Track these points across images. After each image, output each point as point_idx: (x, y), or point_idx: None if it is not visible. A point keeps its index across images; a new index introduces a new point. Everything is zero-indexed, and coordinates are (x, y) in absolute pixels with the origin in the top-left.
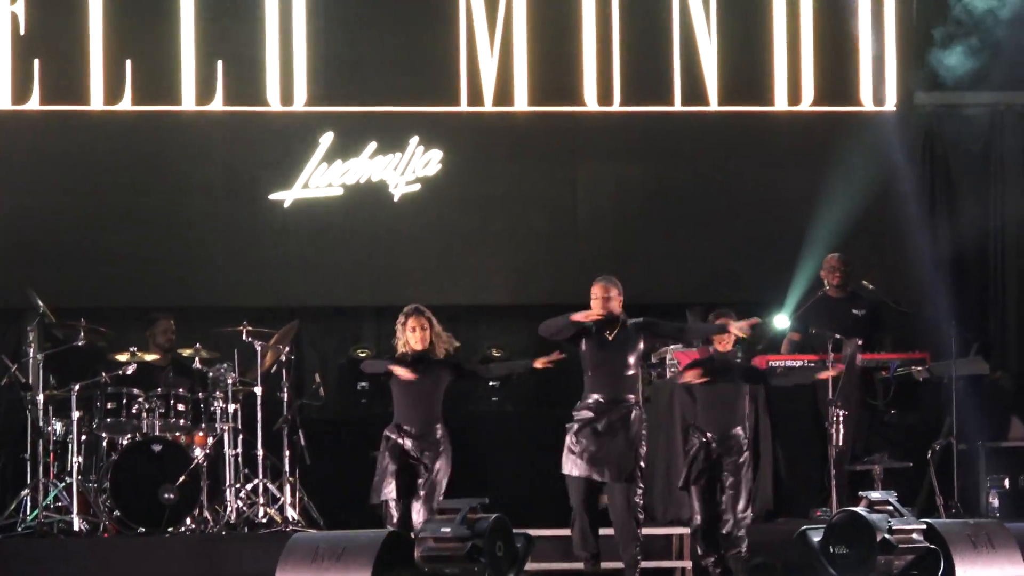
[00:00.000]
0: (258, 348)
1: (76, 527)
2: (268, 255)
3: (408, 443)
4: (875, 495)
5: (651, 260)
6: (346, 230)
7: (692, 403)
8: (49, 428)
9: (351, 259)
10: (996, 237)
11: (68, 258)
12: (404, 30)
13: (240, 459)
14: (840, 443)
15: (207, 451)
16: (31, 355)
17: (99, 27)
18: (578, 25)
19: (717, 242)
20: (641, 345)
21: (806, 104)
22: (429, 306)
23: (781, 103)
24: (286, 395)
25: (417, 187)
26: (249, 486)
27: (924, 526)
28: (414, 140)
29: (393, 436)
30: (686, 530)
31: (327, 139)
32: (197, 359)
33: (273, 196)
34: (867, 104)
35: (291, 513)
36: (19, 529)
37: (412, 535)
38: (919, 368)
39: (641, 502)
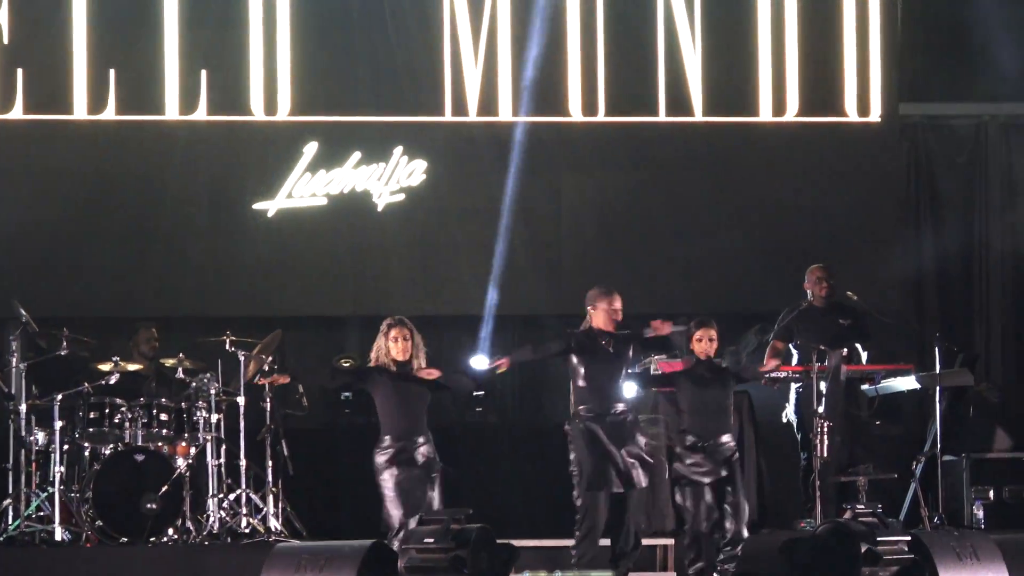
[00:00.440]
0: (241, 358)
1: (58, 537)
2: (251, 265)
3: (394, 457)
4: (859, 507)
5: (636, 270)
6: (330, 240)
7: (676, 413)
8: (32, 438)
9: (335, 269)
10: (981, 248)
11: (51, 267)
12: (388, 40)
13: (223, 469)
14: (825, 454)
15: (190, 461)
16: (14, 364)
17: (83, 36)
18: (563, 35)
19: (702, 252)
20: (630, 354)
21: (791, 115)
22: (412, 316)
23: (766, 114)
24: (269, 405)
25: (401, 197)
26: (232, 496)
27: (909, 537)
28: (398, 150)
29: (383, 453)
30: (670, 541)
31: (311, 149)
32: (180, 369)
33: (257, 206)
34: (852, 115)
35: (274, 523)
36: (1, 539)
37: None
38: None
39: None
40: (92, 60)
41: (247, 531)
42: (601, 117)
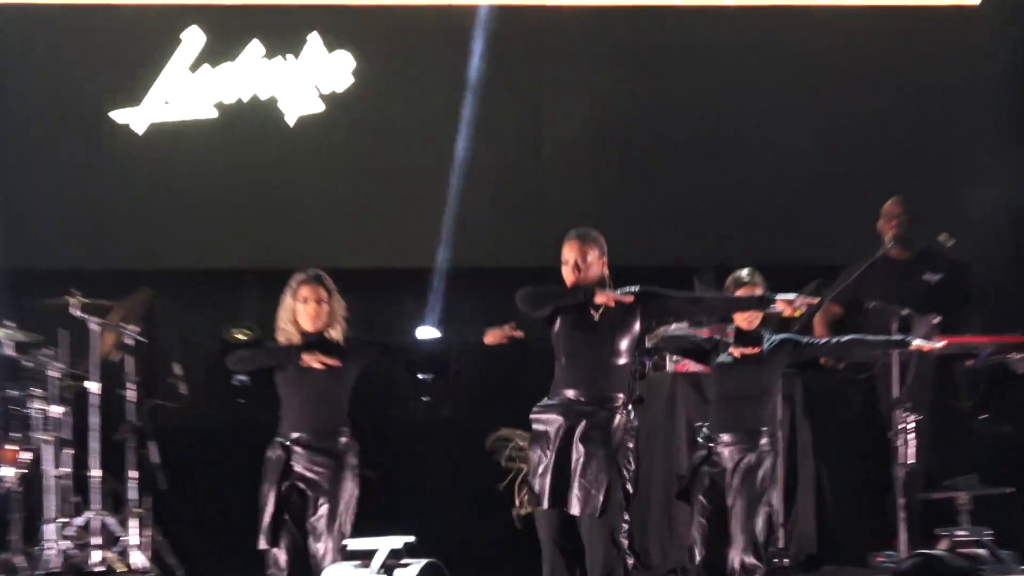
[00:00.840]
0: (94, 328)
1: None
2: (109, 199)
3: (297, 460)
4: (960, 532)
5: (641, 210)
6: (221, 166)
7: (701, 401)
8: None
9: (227, 206)
10: None
11: None
12: None
13: (67, 483)
14: (911, 460)
15: (20, 471)
16: None
17: None
18: None
19: (730, 185)
20: (636, 326)
21: None
22: (337, 272)
23: None
24: (133, 393)
25: (320, 107)
26: (79, 520)
27: None
28: (314, 40)
29: (276, 453)
30: None
31: (192, 38)
32: (6, 342)
33: (118, 116)
34: None
35: (138, 558)
36: None
37: None
38: (1019, 356)
39: (627, 542)
40: None
41: (101, 569)
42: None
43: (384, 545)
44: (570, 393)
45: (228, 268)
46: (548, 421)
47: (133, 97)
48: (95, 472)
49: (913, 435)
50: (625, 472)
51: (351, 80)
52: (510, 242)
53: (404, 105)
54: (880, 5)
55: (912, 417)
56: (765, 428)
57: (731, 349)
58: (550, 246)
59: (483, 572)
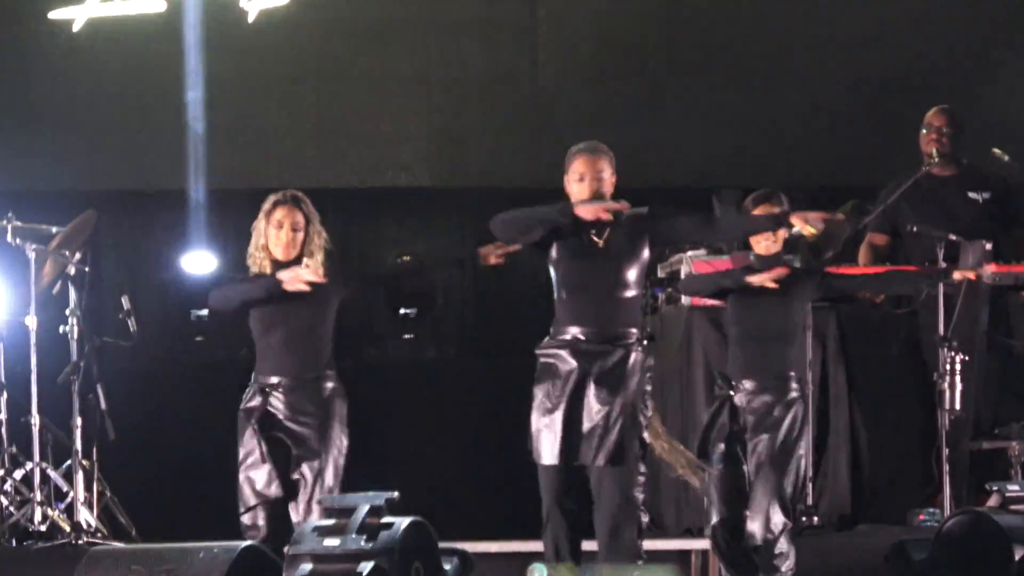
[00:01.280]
0: (31, 255)
1: None
2: (47, 108)
3: (278, 405)
4: (1013, 488)
5: (649, 125)
6: (172, 70)
7: (722, 340)
8: None
9: (181, 116)
10: None
11: None
12: None
13: (3, 431)
14: (957, 407)
15: None
16: None
17: None
18: None
19: (752, 97)
20: (645, 252)
21: None
22: (307, 191)
23: None
24: (76, 330)
25: (284, 0)
26: (18, 474)
27: None
28: None
29: (254, 399)
30: (709, 544)
31: None
32: None
33: (55, 15)
34: None
35: (86, 517)
36: None
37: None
38: None
39: (643, 496)
40: None
41: (43, 529)
42: None
43: (364, 502)
44: (576, 331)
45: (180, 188)
46: (558, 358)
47: None
48: (35, 419)
49: (960, 378)
50: (642, 418)
51: None
52: (501, 159)
53: (381, 3)
54: None
55: (959, 357)
56: (793, 373)
57: (747, 278)
58: (545, 164)
59: (472, 529)
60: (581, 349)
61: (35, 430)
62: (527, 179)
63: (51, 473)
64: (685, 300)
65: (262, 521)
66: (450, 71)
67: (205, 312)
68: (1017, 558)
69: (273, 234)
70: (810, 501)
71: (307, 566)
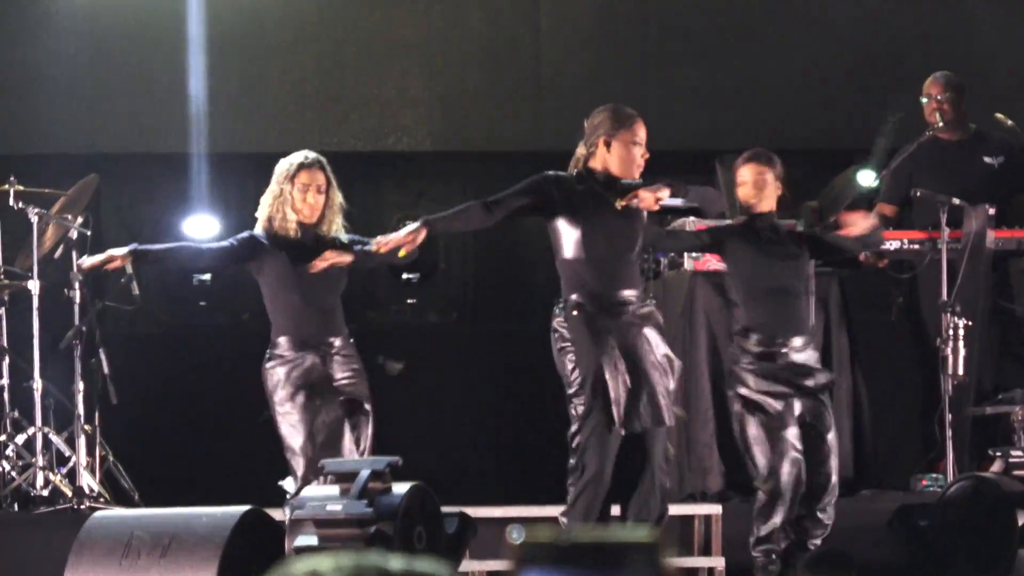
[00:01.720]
0: (33, 219)
1: None
2: (49, 72)
3: (332, 365)
4: (1015, 453)
5: (652, 88)
6: (174, 34)
7: (724, 304)
8: None
9: (183, 80)
10: None
11: None
12: None
13: (5, 396)
14: (960, 372)
15: None
16: None
17: None
18: None
19: (757, 61)
20: (644, 214)
21: None
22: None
23: None
24: (79, 294)
25: None
26: (20, 439)
27: None
28: None
29: (288, 354)
30: (714, 509)
31: None
32: None
33: None
34: None
35: (88, 481)
36: None
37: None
38: None
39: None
40: None
41: (44, 494)
42: None
43: (365, 466)
44: (599, 292)
45: (182, 152)
46: (592, 325)
47: None
48: (37, 383)
49: (963, 343)
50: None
51: None
52: (502, 124)
53: None
54: None
55: (962, 323)
56: (805, 332)
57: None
58: (546, 128)
59: (474, 493)
60: (615, 311)
61: (37, 395)
62: (529, 143)
63: (53, 438)
64: (688, 264)
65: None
66: (452, 35)
67: (208, 277)
68: (1020, 523)
69: (299, 197)
70: None
71: (311, 530)
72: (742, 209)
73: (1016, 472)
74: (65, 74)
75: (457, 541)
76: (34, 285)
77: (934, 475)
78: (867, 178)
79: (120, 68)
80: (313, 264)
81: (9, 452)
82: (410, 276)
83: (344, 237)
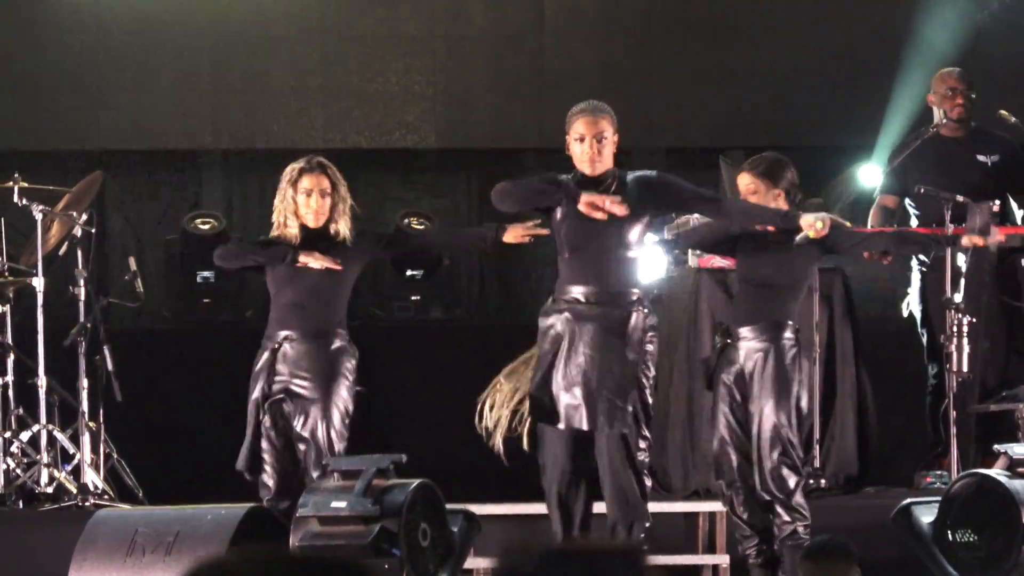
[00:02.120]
0: (38, 216)
1: None
2: (54, 69)
3: (284, 364)
4: (1020, 450)
5: (656, 85)
6: (178, 30)
7: (729, 301)
8: None
9: (184, 77)
10: None
11: None
12: None
13: (10, 393)
14: (964, 369)
15: None
16: None
17: None
18: None
19: (756, 56)
20: (647, 216)
21: None
22: (312, 151)
23: None
24: (83, 291)
25: None
26: (25, 436)
27: None
28: None
29: (263, 357)
30: (718, 506)
31: None
32: None
33: None
34: None
35: (92, 478)
36: None
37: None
38: None
39: (647, 460)
40: None
41: (49, 491)
42: None
43: (370, 464)
44: (577, 292)
45: (188, 148)
46: (558, 321)
47: None
48: (41, 380)
49: (967, 340)
50: (644, 379)
51: None
52: (506, 119)
53: None
54: None
55: (966, 319)
56: (791, 322)
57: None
58: (549, 124)
59: (479, 491)
60: (580, 311)
61: (42, 392)
62: (532, 139)
63: (58, 435)
64: (692, 261)
65: (272, 484)
66: (455, 31)
67: (211, 274)
68: None
69: (303, 201)
70: (817, 463)
71: (315, 527)
72: None
73: (1020, 469)
74: (69, 70)
75: (462, 538)
76: (39, 282)
77: (938, 472)
78: (870, 176)
79: (124, 64)
80: (300, 258)
81: (14, 449)
82: (414, 272)
83: (350, 237)
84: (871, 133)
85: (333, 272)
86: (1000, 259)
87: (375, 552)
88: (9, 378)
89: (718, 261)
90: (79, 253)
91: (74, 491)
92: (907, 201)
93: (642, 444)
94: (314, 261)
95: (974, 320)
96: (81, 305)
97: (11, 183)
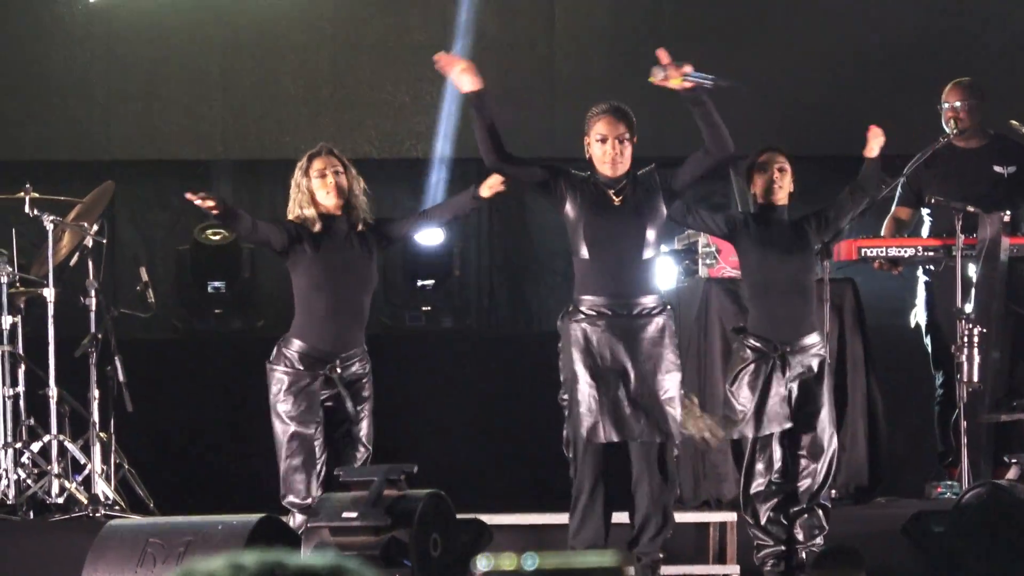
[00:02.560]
0: (49, 226)
1: None
2: (65, 79)
3: (336, 376)
4: None
5: (666, 91)
6: (188, 39)
7: (738, 311)
8: None
9: (197, 85)
10: None
11: None
12: None
13: (21, 403)
14: (975, 378)
15: None
16: None
17: None
18: None
19: (766, 63)
20: (663, 208)
21: None
22: None
23: None
24: (94, 301)
25: None
26: (36, 446)
27: None
28: None
29: (312, 369)
30: (729, 516)
31: None
32: None
33: None
34: None
35: (103, 489)
36: None
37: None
38: None
39: (677, 468)
40: None
41: (60, 501)
42: None
43: (381, 474)
44: (602, 296)
45: (197, 159)
46: (585, 329)
47: None
48: (52, 391)
49: (977, 350)
50: (675, 386)
51: None
52: (517, 127)
53: None
54: None
55: (976, 329)
56: (815, 330)
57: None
58: (560, 131)
59: (490, 500)
60: (609, 317)
61: (53, 402)
62: (543, 147)
63: (68, 445)
64: (702, 271)
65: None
66: (463, 38)
67: (222, 284)
68: None
69: (318, 184)
70: None
71: (326, 537)
72: (753, 199)
73: None
74: (80, 81)
75: (472, 548)
76: (49, 292)
77: (949, 482)
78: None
79: (134, 75)
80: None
81: (25, 459)
82: (425, 282)
83: (370, 219)
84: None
85: (364, 264)
86: (1009, 269)
87: (386, 563)
88: (20, 388)
89: (728, 271)
90: (90, 263)
91: (85, 502)
92: (924, 211)
93: (675, 453)
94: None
95: (984, 330)
96: (92, 315)
97: (22, 193)
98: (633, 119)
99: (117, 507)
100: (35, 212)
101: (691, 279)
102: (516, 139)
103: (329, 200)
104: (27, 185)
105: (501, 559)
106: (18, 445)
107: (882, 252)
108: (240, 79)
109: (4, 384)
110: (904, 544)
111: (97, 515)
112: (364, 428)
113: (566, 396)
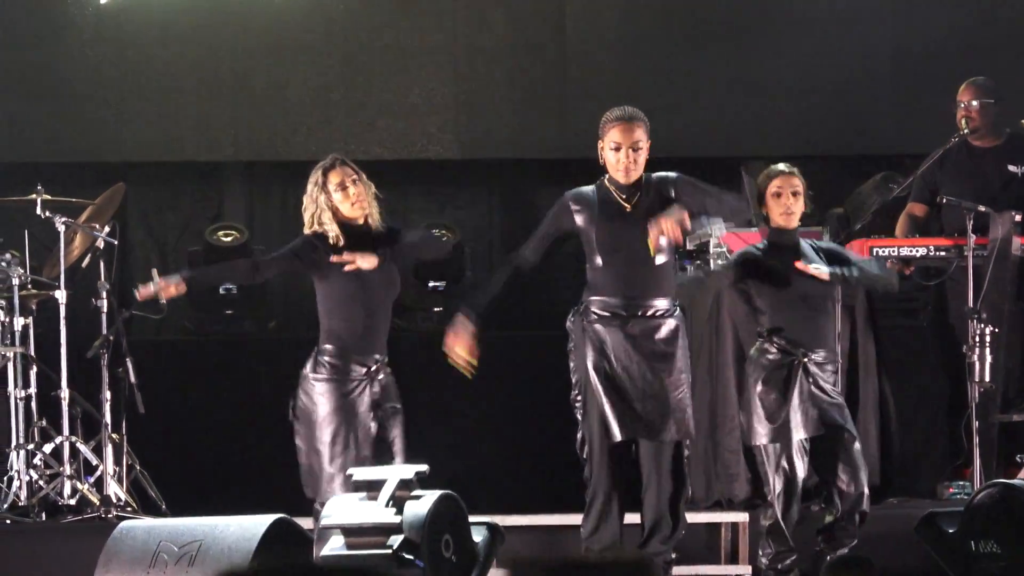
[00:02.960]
0: (61, 228)
1: None
2: (76, 81)
3: (377, 386)
4: None
5: (678, 95)
6: (199, 41)
7: (751, 313)
8: None
9: (206, 89)
10: None
11: None
12: None
13: (32, 404)
14: (987, 379)
15: None
16: None
17: None
18: None
19: (779, 64)
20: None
21: None
22: None
23: None
24: (106, 303)
25: None
26: (48, 448)
27: None
28: None
29: (347, 380)
30: (741, 516)
31: None
32: None
33: None
34: None
35: (115, 490)
36: None
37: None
38: None
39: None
40: None
41: (72, 503)
42: None
43: (393, 475)
44: (614, 300)
45: (207, 160)
46: (597, 331)
47: None
48: (64, 392)
49: (989, 350)
50: (688, 387)
51: None
52: (528, 129)
53: None
54: None
55: (988, 329)
56: (832, 339)
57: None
58: (572, 133)
59: (502, 502)
60: (626, 319)
61: (65, 404)
62: (554, 149)
63: (81, 447)
64: (715, 270)
65: None
66: (477, 41)
67: (234, 285)
68: None
69: (340, 197)
70: None
71: (338, 539)
72: (765, 219)
73: None
74: (92, 83)
75: (485, 550)
76: (61, 294)
77: (961, 482)
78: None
79: (146, 77)
80: (363, 263)
81: (37, 461)
82: (436, 284)
83: (383, 227)
84: (887, 142)
85: (388, 273)
86: (1021, 268)
87: (398, 563)
88: (32, 390)
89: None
90: (101, 265)
91: (97, 503)
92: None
93: (686, 453)
94: (363, 262)
95: (996, 330)
96: (104, 317)
97: (34, 195)
98: (647, 125)
99: (129, 508)
100: (47, 214)
101: (702, 279)
102: (529, 140)
103: (356, 211)
104: (39, 187)
105: (523, 551)
106: (30, 447)
107: (894, 252)
108: (252, 81)
109: (16, 386)
110: (916, 545)
111: (109, 516)
112: (399, 442)
113: (580, 397)
